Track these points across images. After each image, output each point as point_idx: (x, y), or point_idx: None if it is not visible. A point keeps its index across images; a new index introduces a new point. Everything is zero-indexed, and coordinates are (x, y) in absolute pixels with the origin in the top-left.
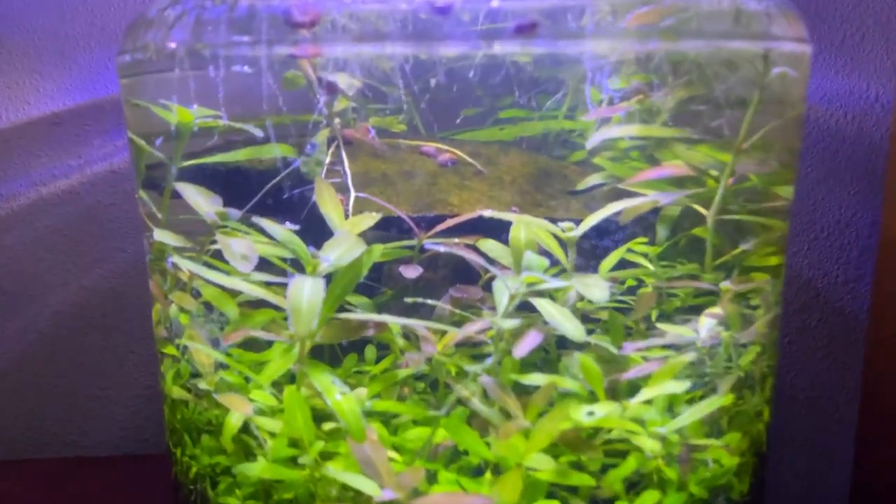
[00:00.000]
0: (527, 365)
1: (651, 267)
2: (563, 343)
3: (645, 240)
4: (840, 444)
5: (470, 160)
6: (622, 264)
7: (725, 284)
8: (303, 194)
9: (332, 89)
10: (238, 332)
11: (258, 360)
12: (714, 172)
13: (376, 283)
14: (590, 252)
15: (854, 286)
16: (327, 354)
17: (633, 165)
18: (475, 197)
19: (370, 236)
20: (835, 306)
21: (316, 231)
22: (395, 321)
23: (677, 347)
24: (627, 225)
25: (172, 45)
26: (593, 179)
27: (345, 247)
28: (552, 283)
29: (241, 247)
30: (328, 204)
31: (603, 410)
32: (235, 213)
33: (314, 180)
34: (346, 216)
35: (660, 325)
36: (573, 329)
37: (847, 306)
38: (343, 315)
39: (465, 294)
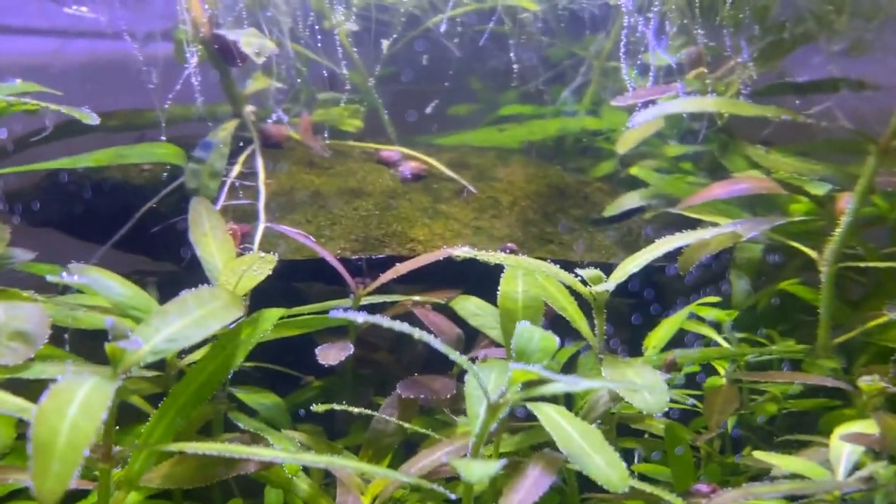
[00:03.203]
0: None
1: (725, 343)
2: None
3: (715, 299)
4: None
5: (450, 173)
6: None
7: (870, 381)
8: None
9: (230, 56)
10: None
11: None
12: (817, 190)
13: (292, 366)
14: (621, 314)
15: None
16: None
17: (689, 181)
18: (453, 229)
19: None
20: None
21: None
22: (286, 460)
23: (795, 497)
24: (681, 275)
25: None
26: (629, 201)
27: (198, 314)
28: (562, 385)
29: (20, 317)
30: (207, 238)
31: None
32: (22, 254)
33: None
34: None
35: (757, 454)
36: (608, 472)
37: None
38: (198, 447)
39: (424, 392)
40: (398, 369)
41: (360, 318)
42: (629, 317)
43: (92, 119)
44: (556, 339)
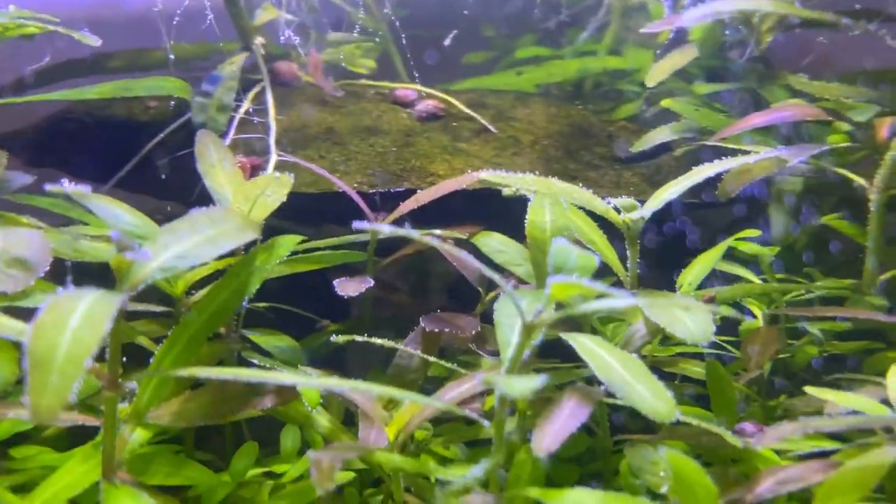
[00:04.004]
0: (559, 464)
1: (759, 281)
2: (620, 418)
3: (755, 233)
4: None
5: (469, 111)
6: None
7: None
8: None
9: None
10: None
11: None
12: (861, 117)
13: (307, 311)
14: (653, 254)
15: None
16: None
17: (723, 114)
18: (473, 166)
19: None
20: None
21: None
22: (308, 384)
23: (846, 436)
24: (713, 210)
25: None
26: (659, 135)
27: (210, 233)
28: (610, 302)
29: (19, 243)
30: (216, 169)
31: None
32: (20, 177)
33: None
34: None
35: (809, 390)
36: (654, 403)
37: None
38: (212, 372)
39: (448, 327)
40: (417, 314)
41: (387, 229)
42: (658, 255)
43: (94, 41)
44: (596, 257)
